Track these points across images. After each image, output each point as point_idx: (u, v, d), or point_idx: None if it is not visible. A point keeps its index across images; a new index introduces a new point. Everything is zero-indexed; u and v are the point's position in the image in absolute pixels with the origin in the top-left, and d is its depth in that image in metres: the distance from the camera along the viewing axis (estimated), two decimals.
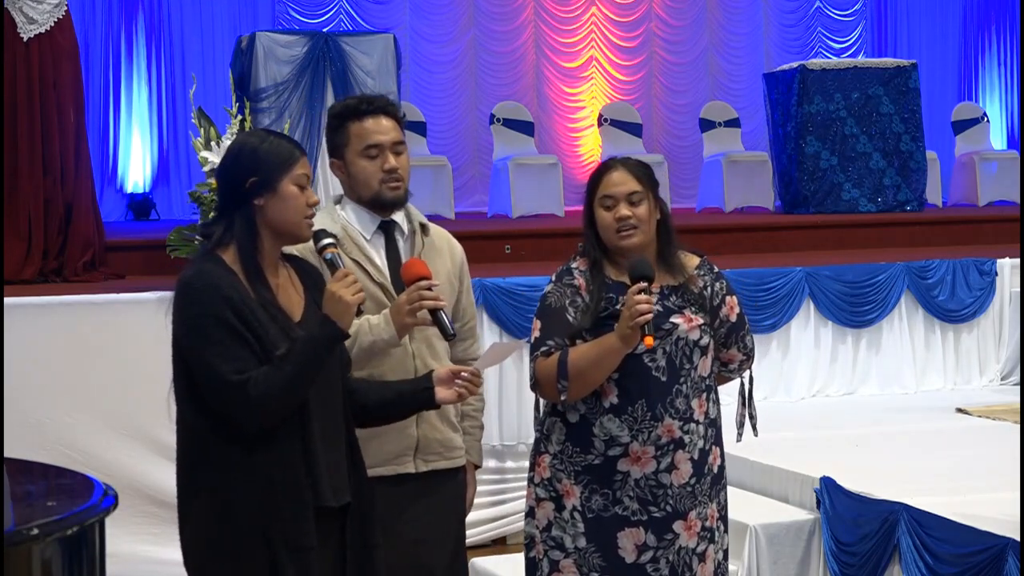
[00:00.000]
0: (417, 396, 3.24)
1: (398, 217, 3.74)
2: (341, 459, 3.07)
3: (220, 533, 2.96)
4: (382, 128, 3.66)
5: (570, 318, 3.52)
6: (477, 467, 3.93)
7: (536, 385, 3.55)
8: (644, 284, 3.39)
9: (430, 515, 3.70)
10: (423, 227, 3.78)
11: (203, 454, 2.98)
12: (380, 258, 3.68)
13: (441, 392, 3.22)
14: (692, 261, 3.68)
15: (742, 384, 3.80)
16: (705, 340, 3.59)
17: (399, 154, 3.68)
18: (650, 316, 3.36)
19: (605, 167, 3.64)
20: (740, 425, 3.81)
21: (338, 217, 3.68)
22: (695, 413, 3.56)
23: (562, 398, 3.48)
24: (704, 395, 3.60)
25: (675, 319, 3.54)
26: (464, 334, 3.81)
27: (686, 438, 3.54)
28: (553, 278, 3.62)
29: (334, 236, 3.23)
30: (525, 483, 6.80)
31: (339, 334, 2.97)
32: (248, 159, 3.06)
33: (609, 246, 3.59)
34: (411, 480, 3.67)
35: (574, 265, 3.62)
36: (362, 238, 3.68)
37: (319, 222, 3.40)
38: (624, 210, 3.55)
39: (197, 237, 6.98)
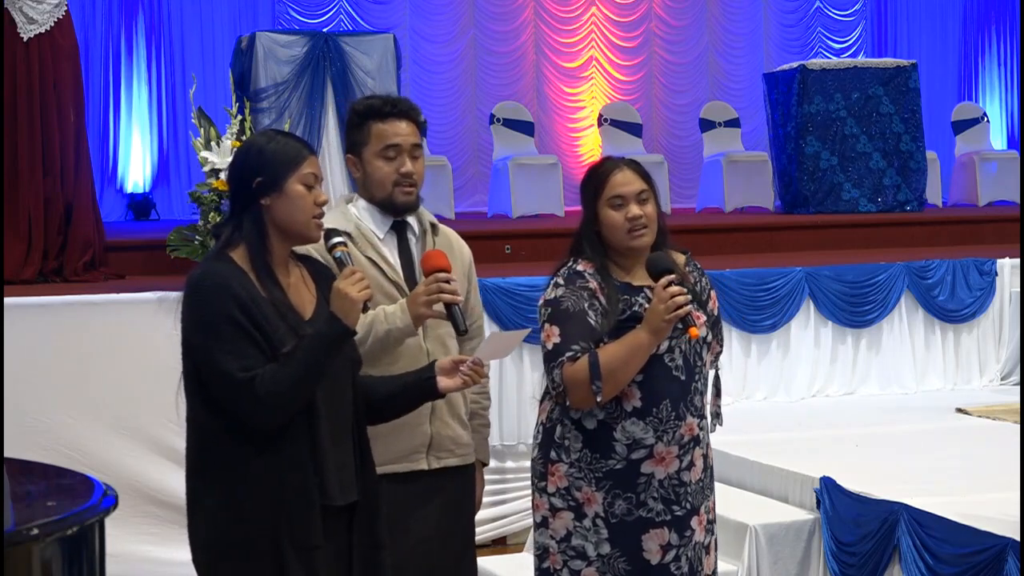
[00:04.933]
0: (421, 386, 3.23)
1: (409, 218, 3.76)
2: (349, 458, 3.07)
3: (229, 532, 2.96)
4: (402, 131, 3.68)
5: (592, 322, 3.47)
6: (485, 465, 3.93)
7: (564, 392, 3.46)
8: (672, 276, 3.39)
9: (440, 512, 3.71)
10: (433, 227, 3.81)
11: (213, 453, 2.99)
12: (393, 256, 3.71)
13: (444, 381, 3.21)
14: (680, 258, 3.67)
15: (715, 375, 3.78)
16: (709, 336, 3.61)
17: (416, 158, 3.71)
18: (690, 307, 3.36)
19: (609, 167, 3.60)
20: (715, 416, 3.77)
21: (351, 215, 3.71)
22: (704, 409, 3.59)
23: (597, 399, 3.41)
24: (706, 390, 3.63)
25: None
26: (472, 332, 3.80)
27: (701, 434, 3.57)
28: (561, 281, 3.55)
29: (347, 234, 3.23)
30: (525, 483, 6.85)
31: (346, 331, 2.96)
32: (255, 159, 3.06)
33: (618, 246, 3.56)
34: (423, 477, 3.69)
35: (580, 268, 3.56)
36: (375, 237, 3.70)
37: (331, 221, 3.41)
38: (635, 209, 3.53)
39: (197, 237, 6.99)
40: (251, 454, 2.95)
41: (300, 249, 3.18)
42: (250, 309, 2.93)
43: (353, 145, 3.73)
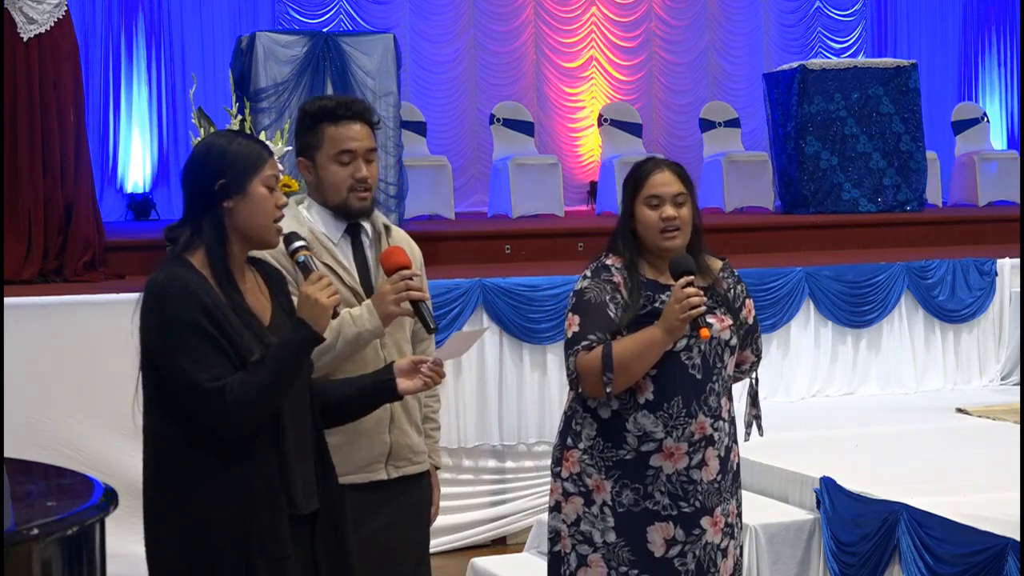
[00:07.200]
0: (379, 388, 3.17)
1: (363, 221, 3.69)
2: (310, 464, 3.02)
3: (196, 543, 2.89)
4: (357, 135, 3.59)
5: (611, 314, 3.54)
6: (438, 469, 3.91)
7: (578, 379, 3.54)
8: (691, 278, 3.43)
9: (399, 521, 3.68)
10: (387, 229, 3.74)
11: (175, 463, 2.91)
12: (348, 261, 3.64)
13: (404, 383, 3.16)
14: (716, 264, 3.73)
15: (751, 384, 3.86)
16: (734, 341, 3.65)
17: (370, 162, 3.62)
18: (703, 308, 3.39)
19: (650, 167, 3.65)
20: (749, 425, 3.88)
21: (304, 220, 3.62)
22: (723, 411, 3.63)
23: (607, 391, 3.48)
24: (728, 394, 3.67)
25: (709, 319, 3.55)
26: (422, 334, 3.76)
27: (716, 435, 3.61)
28: (589, 273, 3.63)
29: (305, 239, 3.19)
30: (524, 483, 6.88)
31: (314, 337, 2.90)
32: (216, 161, 3.00)
33: (650, 246, 3.62)
34: (382, 487, 3.64)
35: (609, 262, 3.63)
36: (330, 241, 3.63)
37: (284, 224, 3.37)
38: (670, 210, 3.58)
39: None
40: (216, 464, 2.88)
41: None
42: (216, 316, 2.87)
43: (305, 148, 3.62)
